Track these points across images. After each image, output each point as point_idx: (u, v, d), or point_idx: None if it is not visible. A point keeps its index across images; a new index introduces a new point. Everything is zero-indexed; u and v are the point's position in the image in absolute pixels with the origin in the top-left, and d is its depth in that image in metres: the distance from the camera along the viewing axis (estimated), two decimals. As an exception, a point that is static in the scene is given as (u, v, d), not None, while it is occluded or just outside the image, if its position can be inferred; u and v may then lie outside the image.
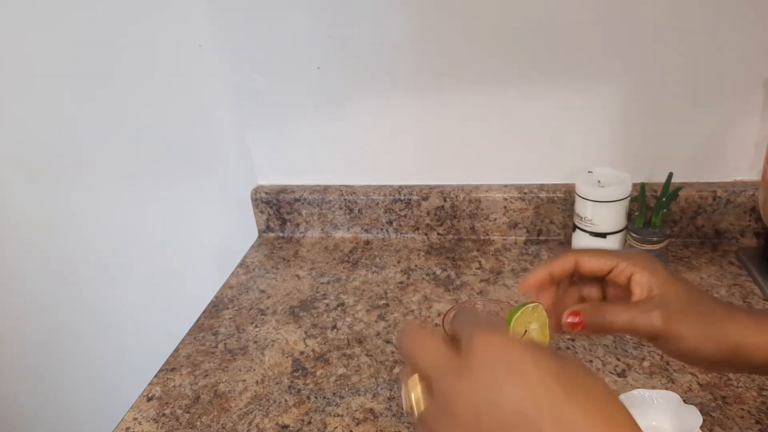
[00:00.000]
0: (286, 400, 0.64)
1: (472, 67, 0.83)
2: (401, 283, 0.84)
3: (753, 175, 0.85)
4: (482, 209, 0.91)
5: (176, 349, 0.74)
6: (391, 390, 0.64)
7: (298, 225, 0.99)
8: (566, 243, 0.89)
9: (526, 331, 0.46)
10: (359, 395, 0.63)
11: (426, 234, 0.95)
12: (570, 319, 0.46)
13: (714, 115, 0.82)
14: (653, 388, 0.59)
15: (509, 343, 0.31)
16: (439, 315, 0.76)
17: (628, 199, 0.78)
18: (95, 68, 0.94)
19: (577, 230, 0.81)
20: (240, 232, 1.02)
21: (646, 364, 0.64)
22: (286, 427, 0.60)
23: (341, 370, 0.67)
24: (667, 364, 0.64)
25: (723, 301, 0.45)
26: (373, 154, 0.93)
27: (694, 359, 0.43)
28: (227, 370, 0.69)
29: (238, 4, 0.85)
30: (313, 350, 0.71)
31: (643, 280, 0.45)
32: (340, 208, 0.95)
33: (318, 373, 0.67)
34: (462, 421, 0.30)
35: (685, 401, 0.56)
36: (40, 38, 0.93)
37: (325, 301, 0.81)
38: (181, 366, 0.71)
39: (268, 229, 1.00)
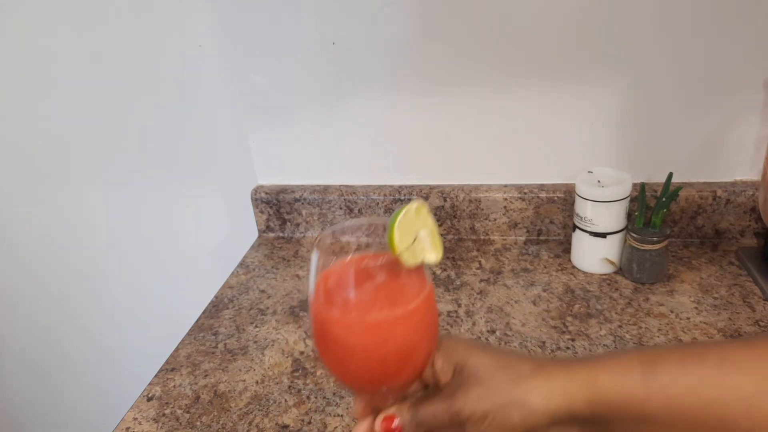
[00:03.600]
0: (286, 400, 0.64)
1: (473, 67, 0.84)
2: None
3: (753, 175, 0.85)
4: (482, 209, 0.91)
5: (176, 349, 0.74)
6: (391, 390, 0.64)
7: (298, 225, 0.99)
8: (566, 243, 0.89)
9: (415, 238, 0.39)
10: (359, 395, 0.63)
11: (426, 234, 0.95)
12: (384, 425, 0.40)
13: (714, 115, 0.82)
14: (653, 388, 0.59)
15: None
16: (439, 315, 0.76)
17: (628, 199, 0.78)
18: (98, 70, 0.94)
19: (577, 230, 0.81)
20: (240, 232, 1.02)
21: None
22: (286, 427, 0.60)
23: (341, 370, 0.67)
24: (667, 364, 0.64)
25: (540, 359, 0.40)
26: (373, 154, 0.93)
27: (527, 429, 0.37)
28: (227, 370, 0.69)
29: (239, 4, 0.85)
30: (313, 350, 0.71)
31: (440, 366, 0.41)
32: (340, 208, 0.95)
33: (318, 373, 0.67)
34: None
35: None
36: (44, 41, 0.93)
37: (325, 301, 0.81)
38: (181, 366, 0.71)
39: (268, 229, 1.00)
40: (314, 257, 0.40)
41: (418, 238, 0.38)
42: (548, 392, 0.37)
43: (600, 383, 0.36)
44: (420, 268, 0.39)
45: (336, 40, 0.85)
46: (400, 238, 0.37)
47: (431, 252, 0.39)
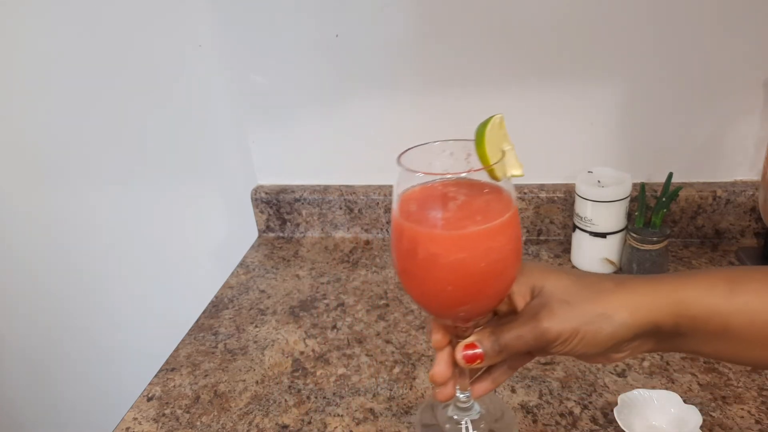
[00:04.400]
0: (286, 400, 0.64)
1: (473, 67, 0.84)
2: (401, 283, 0.84)
3: (753, 175, 0.85)
4: (482, 209, 0.91)
5: (176, 349, 0.74)
6: (391, 390, 0.64)
7: (298, 225, 0.99)
8: (566, 243, 0.89)
9: (503, 153, 0.39)
10: (359, 395, 0.63)
11: (426, 234, 0.95)
12: (467, 352, 0.39)
13: (714, 115, 0.82)
14: (653, 388, 0.59)
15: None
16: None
17: (628, 199, 0.78)
18: (97, 70, 0.94)
19: (577, 230, 0.81)
20: (240, 232, 1.02)
21: (646, 364, 0.64)
22: (286, 427, 0.60)
23: (341, 370, 0.68)
24: (667, 364, 0.64)
25: (616, 275, 0.40)
26: (373, 154, 0.93)
27: (609, 347, 0.38)
28: (227, 370, 0.69)
29: (239, 4, 0.85)
30: (313, 350, 0.71)
31: (516, 289, 0.41)
32: (340, 208, 0.95)
33: (318, 373, 0.67)
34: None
35: (685, 401, 0.56)
36: (44, 41, 0.93)
37: (325, 301, 0.81)
38: (181, 366, 0.71)
39: (268, 229, 1.00)
40: (398, 175, 0.39)
41: (505, 152, 0.38)
42: (635, 305, 0.37)
43: (685, 297, 0.37)
44: (503, 185, 0.39)
45: (336, 40, 0.85)
46: (490, 150, 0.37)
47: (516, 167, 0.38)
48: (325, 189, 0.96)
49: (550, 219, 0.90)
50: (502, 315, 0.43)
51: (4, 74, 0.97)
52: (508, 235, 0.38)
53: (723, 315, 0.36)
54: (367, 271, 0.87)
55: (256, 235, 1.01)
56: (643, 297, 0.37)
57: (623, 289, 0.38)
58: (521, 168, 0.39)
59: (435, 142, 0.42)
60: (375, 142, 0.92)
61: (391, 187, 1.00)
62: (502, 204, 0.39)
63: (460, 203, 0.38)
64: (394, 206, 0.40)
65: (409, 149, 0.41)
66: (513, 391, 0.62)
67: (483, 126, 0.37)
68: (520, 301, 0.41)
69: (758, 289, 0.36)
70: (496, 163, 0.37)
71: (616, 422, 0.54)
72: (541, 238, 0.91)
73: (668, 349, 0.39)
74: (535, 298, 0.40)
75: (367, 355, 0.70)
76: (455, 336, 0.42)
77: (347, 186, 0.96)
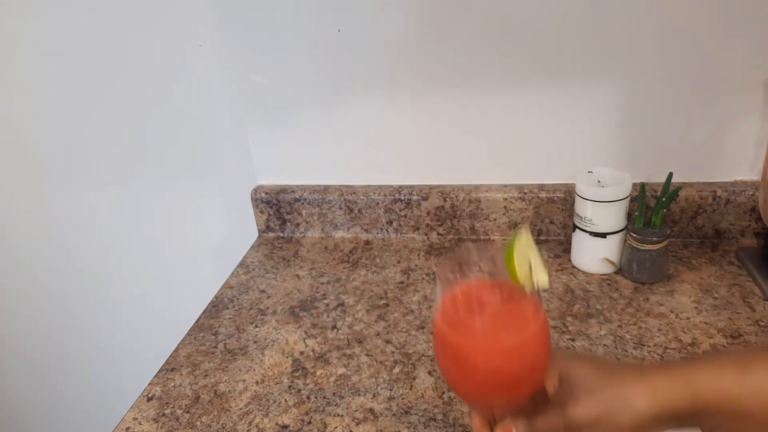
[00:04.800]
0: (286, 400, 0.64)
1: (473, 67, 0.84)
2: (401, 283, 0.84)
3: (753, 175, 0.85)
4: (482, 209, 0.91)
5: (176, 349, 0.74)
6: (391, 390, 0.64)
7: (298, 225, 0.99)
8: (566, 243, 0.89)
9: (530, 266, 0.43)
10: (359, 395, 0.63)
11: (426, 234, 0.95)
12: None
13: (714, 115, 0.82)
14: (653, 388, 0.59)
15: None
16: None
17: (628, 199, 0.78)
18: (97, 70, 0.94)
19: (577, 230, 0.81)
20: (240, 232, 1.02)
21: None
22: (286, 427, 0.60)
23: (341, 370, 0.68)
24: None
25: (639, 365, 0.44)
26: (373, 154, 0.93)
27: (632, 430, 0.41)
28: (227, 370, 0.69)
29: (239, 4, 0.85)
30: (313, 350, 0.71)
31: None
32: (340, 208, 0.96)
33: (318, 373, 0.67)
34: None
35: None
36: (44, 41, 0.93)
37: (325, 301, 0.81)
38: (181, 366, 0.71)
39: (268, 229, 1.00)
40: (438, 286, 0.44)
41: (532, 264, 0.42)
42: (653, 394, 0.40)
43: (698, 383, 0.39)
44: (532, 290, 0.43)
45: (337, 37, 0.85)
46: (519, 266, 0.41)
47: (543, 274, 0.43)
48: (325, 189, 0.96)
49: (550, 219, 0.90)
50: (536, 397, 0.47)
51: (4, 74, 0.97)
52: (541, 338, 0.43)
53: (735, 398, 0.38)
54: (367, 271, 0.87)
55: (256, 235, 1.01)
56: (660, 386, 0.40)
57: (642, 380, 0.41)
58: (546, 275, 0.43)
59: (469, 253, 0.46)
60: (375, 142, 0.92)
61: (391, 186, 1.00)
62: (533, 310, 0.43)
63: (496, 313, 0.43)
64: (436, 312, 0.44)
65: (446, 259, 0.46)
66: (513, 391, 0.62)
67: (511, 246, 0.42)
68: (549, 386, 0.44)
69: (766, 369, 0.38)
70: (523, 280, 0.42)
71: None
72: (541, 238, 0.91)
73: (690, 426, 0.42)
74: (563, 385, 0.43)
75: (367, 355, 0.70)
76: (492, 417, 0.46)
77: (347, 186, 0.96)
